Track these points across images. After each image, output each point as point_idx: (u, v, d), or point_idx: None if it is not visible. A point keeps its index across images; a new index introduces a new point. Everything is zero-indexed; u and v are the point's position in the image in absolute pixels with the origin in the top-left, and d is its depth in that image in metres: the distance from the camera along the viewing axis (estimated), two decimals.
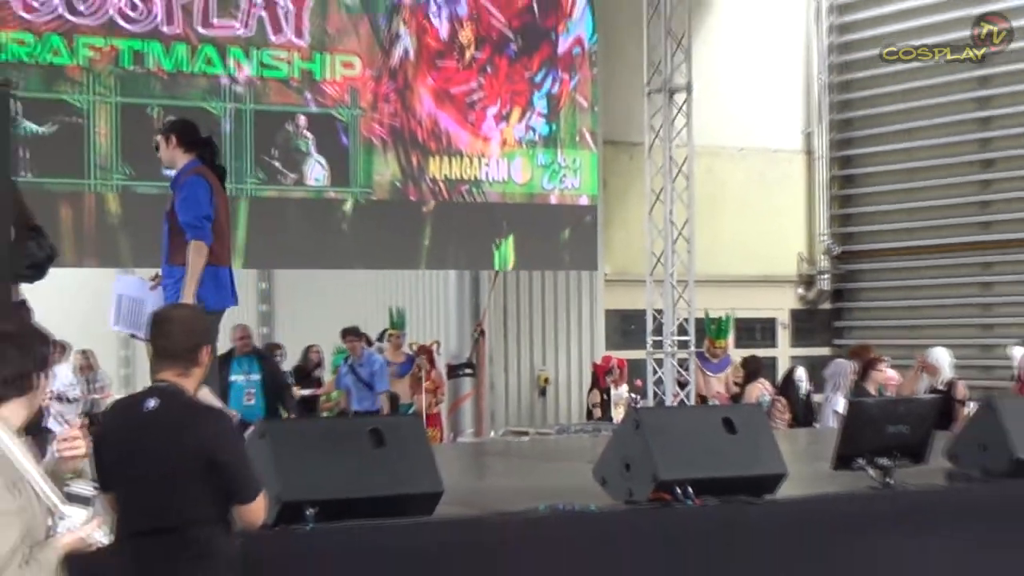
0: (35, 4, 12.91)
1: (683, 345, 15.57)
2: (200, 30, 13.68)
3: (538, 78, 15.52)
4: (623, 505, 6.59)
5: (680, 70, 15.75)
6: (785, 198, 19.57)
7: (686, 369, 15.51)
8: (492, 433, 16.16)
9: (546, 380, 17.13)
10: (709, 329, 15.54)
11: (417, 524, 6.01)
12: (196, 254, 7.12)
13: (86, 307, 16.15)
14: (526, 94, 15.45)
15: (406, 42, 14.78)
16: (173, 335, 4.66)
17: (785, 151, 19.63)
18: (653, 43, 15.81)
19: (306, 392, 15.83)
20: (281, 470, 5.63)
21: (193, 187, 7.25)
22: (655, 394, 15.55)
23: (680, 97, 15.74)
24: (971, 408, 10.33)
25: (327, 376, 16.19)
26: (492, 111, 15.26)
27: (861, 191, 19.79)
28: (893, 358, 13.43)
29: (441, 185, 14.97)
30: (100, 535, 3.80)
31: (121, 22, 13.32)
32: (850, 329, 19.69)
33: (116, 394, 15.72)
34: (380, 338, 15.75)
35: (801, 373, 14.81)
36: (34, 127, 12.79)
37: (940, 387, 11.98)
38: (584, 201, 15.91)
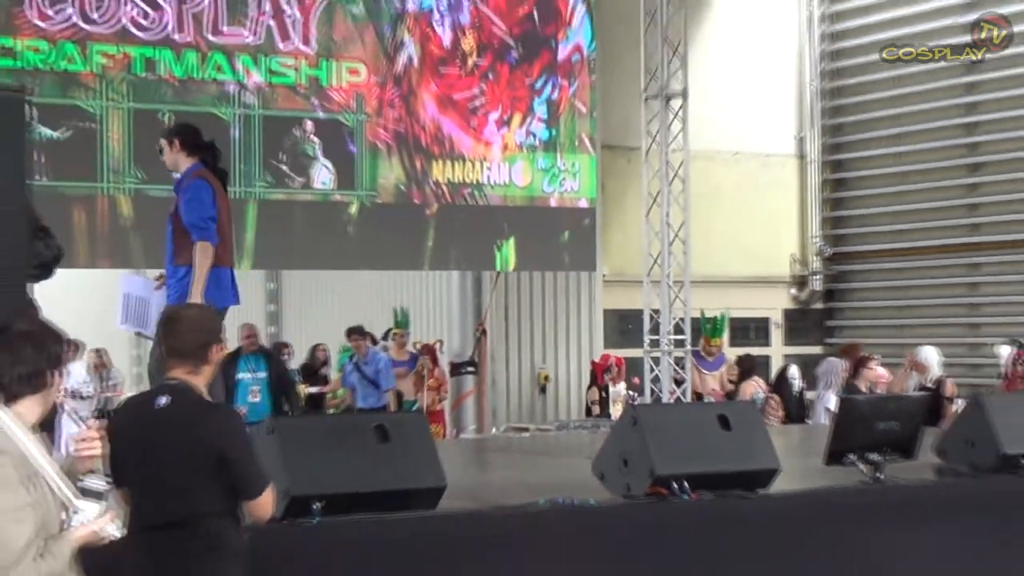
0: (50, 13, 12.91)
1: (679, 344, 15.55)
2: (210, 38, 13.69)
3: (538, 84, 15.52)
4: (621, 499, 6.58)
5: (676, 77, 15.75)
6: (778, 201, 19.57)
7: (682, 367, 15.50)
8: (494, 429, 16.16)
9: (546, 378, 17.14)
10: (705, 328, 15.53)
11: (421, 518, 6.01)
12: (202, 255, 7.11)
13: (99, 307, 16.12)
14: (527, 100, 15.45)
15: (410, 50, 14.79)
16: (183, 334, 4.66)
17: (778, 155, 19.63)
18: (650, 50, 15.80)
19: (313, 390, 15.83)
20: (289, 465, 5.63)
21: (196, 190, 7.24)
22: (652, 391, 15.54)
23: (676, 103, 15.73)
24: (959, 405, 10.31)
25: (333, 374, 16.18)
26: (494, 116, 15.27)
27: (852, 194, 19.79)
28: (883, 356, 13.40)
29: (444, 188, 14.98)
30: (113, 528, 3.79)
31: (133, 30, 13.33)
32: (841, 328, 19.69)
33: (128, 391, 15.71)
34: (385, 337, 15.75)
35: (794, 371, 14.79)
36: (49, 132, 12.80)
37: (929, 385, 11.96)
38: (583, 204, 15.92)
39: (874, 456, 7.17)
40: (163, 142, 7.53)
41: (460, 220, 15.10)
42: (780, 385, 14.57)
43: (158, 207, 12.51)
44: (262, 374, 13.24)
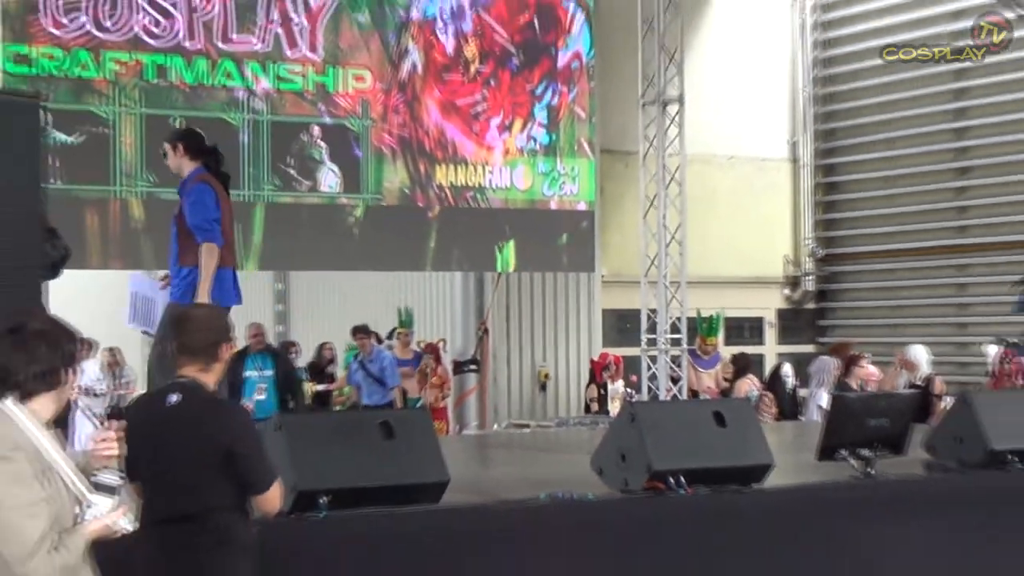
0: (64, 21, 12.91)
1: (676, 343, 15.54)
2: (220, 45, 13.68)
3: (539, 91, 15.51)
4: (619, 494, 6.58)
5: (673, 83, 15.73)
6: (772, 204, 19.56)
7: (679, 365, 15.49)
8: (495, 426, 16.15)
9: (546, 376, 17.13)
10: (700, 327, 15.54)
11: (425, 512, 6.01)
12: (208, 256, 7.11)
13: (113, 307, 16.15)
14: (527, 106, 15.44)
15: (414, 57, 14.78)
16: (194, 332, 4.65)
17: (772, 159, 19.62)
18: (647, 58, 15.79)
19: (320, 387, 15.82)
20: (296, 461, 5.64)
21: (200, 193, 7.24)
22: (649, 389, 15.52)
23: (673, 108, 15.72)
24: (947, 402, 10.32)
25: (339, 372, 16.17)
26: (495, 122, 15.26)
27: (844, 197, 19.78)
28: (874, 355, 13.40)
29: (447, 192, 14.97)
30: (125, 522, 3.79)
31: (145, 38, 13.32)
32: (833, 328, 19.67)
33: (141, 389, 15.70)
34: (390, 336, 15.75)
35: (787, 369, 14.80)
36: (63, 137, 12.79)
37: (918, 383, 11.96)
38: (582, 207, 15.91)
39: (865, 452, 7.18)
40: (167, 146, 7.53)
41: (462, 222, 15.09)
42: (774, 383, 14.58)
43: (169, 210, 12.33)
44: (269, 372, 13.22)
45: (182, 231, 7.27)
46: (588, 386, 16.09)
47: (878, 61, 18.63)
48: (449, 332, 16.82)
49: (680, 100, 15.66)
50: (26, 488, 3.58)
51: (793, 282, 19.88)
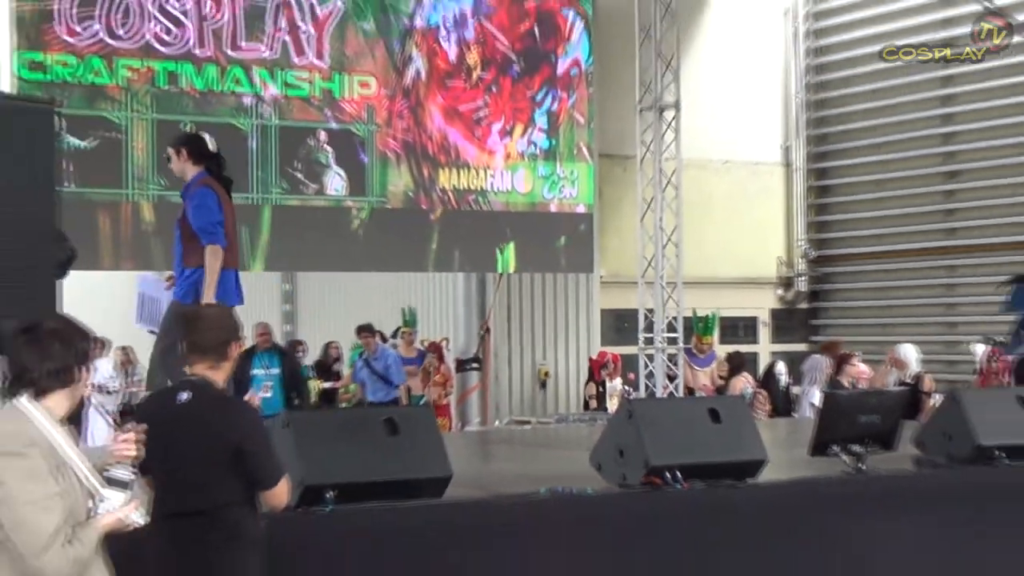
0: (78, 29, 12.91)
1: (672, 341, 15.55)
2: (229, 52, 13.68)
3: (539, 97, 15.51)
4: (617, 489, 6.57)
5: (669, 89, 15.74)
6: (766, 207, 19.56)
7: (675, 364, 15.49)
8: (497, 422, 16.15)
9: (546, 374, 17.13)
10: (696, 327, 15.53)
11: (428, 506, 6.00)
12: (213, 257, 7.11)
13: (125, 307, 16.15)
14: (528, 111, 15.44)
15: (418, 64, 14.78)
16: (205, 331, 4.65)
17: (766, 164, 19.62)
18: (644, 65, 15.80)
19: (327, 385, 15.81)
20: (303, 456, 5.63)
21: (203, 196, 7.23)
22: (646, 386, 15.53)
23: (669, 114, 15.72)
24: (936, 400, 10.32)
25: (345, 370, 16.17)
26: (497, 127, 15.26)
27: (835, 200, 19.78)
28: (865, 354, 13.42)
29: (450, 195, 14.97)
30: (137, 516, 3.79)
31: (157, 45, 13.33)
32: (825, 327, 19.67)
33: None
34: (394, 335, 15.74)
35: (781, 367, 14.79)
36: (77, 142, 12.79)
37: (908, 380, 11.96)
38: (581, 209, 15.91)
39: (856, 448, 7.17)
40: (171, 151, 7.53)
41: (463, 224, 15.09)
42: (768, 381, 14.57)
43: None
44: (275, 370, 13.19)
45: (185, 233, 7.27)
46: (587, 384, 16.09)
47: (869, 68, 18.68)
48: (452, 331, 16.82)
49: (676, 106, 15.67)
50: (41, 483, 3.58)
51: (786, 283, 19.88)
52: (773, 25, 19.68)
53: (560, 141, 15.64)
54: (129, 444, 3.87)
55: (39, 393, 3.73)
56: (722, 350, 16.00)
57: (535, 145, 15.50)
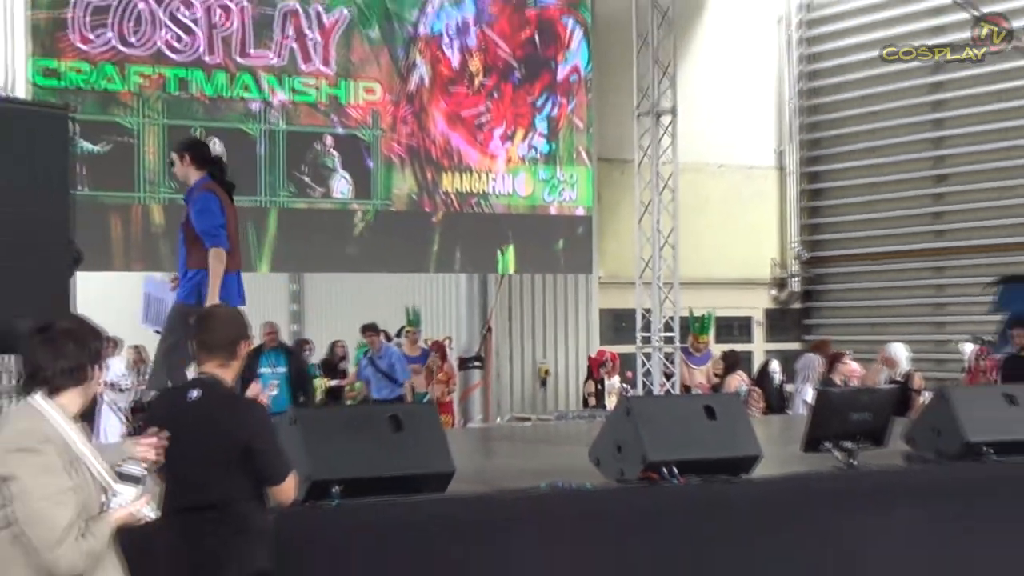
0: (91, 37, 12.92)
1: (669, 341, 15.54)
2: (238, 59, 13.69)
3: (539, 102, 15.52)
4: (615, 483, 6.58)
5: (666, 95, 15.73)
6: (760, 209, 19.56)
7: (672, 362, 15.48)
8: (498, 419, 16.15)
9: (547, 372, 17.13)
10: (692, 326, 15.52)
11: (431, 500, 6.01)
12: (216, 260, 7.11)
13: (137, 307, 16.12)
14: (528, 116, 15.45)
15: (422, 70, 14.79)
16: (215, 330, 4.65)
17: (760, 167, 19.62)
18: (642, 71, 15.79)
19: (332, 383, 15.79)
20: (310, 452, 5.63)
21: (206, 200, 7.23)
22: (644, 384, 15.52)
23: (666, 119, 15.71)
24: (926, 397, 10.29)
25: (351, 368, 16.16)
26: (498, 132, 15.27)
27: (828, 203, 19.77)
28: (856, 352, 13.40)
29: (453, 198, 14.98)
30: (148, 511, 3.79)
31: (168, 52, 13.33)
32: (818, 327, 19.66)
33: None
34: (398, 334, 15.72)
35: (775, 366, 14.79)
36: (90, 146, 12.80)
37: (898, 378, 11.94)
38: (580, 212, 15.91)
39: (848, 444, 7.17)
40: (174, 156, 7.53)
41: (465, 226, 15.10)
42: (762, 379, 14.58)
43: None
44: (282, 369, 13.17)
45: (189, 236, 7.27)
46: (586, 382, 16.08)
47: (860, 74, 18.69)
48: (455, 331, 16.82)
49: (673, 111, 15.66)
50: (55, 478, 3.59)
51: (780, 283, 19.87)
52: (767, 32, 19.68)
53: (560, 145, 15.65)
54: (150, 448, 3.88)
55: (53, 391, 3.73)
56: (717, 349, 15.98)
57: (535, 149, 15.51)
